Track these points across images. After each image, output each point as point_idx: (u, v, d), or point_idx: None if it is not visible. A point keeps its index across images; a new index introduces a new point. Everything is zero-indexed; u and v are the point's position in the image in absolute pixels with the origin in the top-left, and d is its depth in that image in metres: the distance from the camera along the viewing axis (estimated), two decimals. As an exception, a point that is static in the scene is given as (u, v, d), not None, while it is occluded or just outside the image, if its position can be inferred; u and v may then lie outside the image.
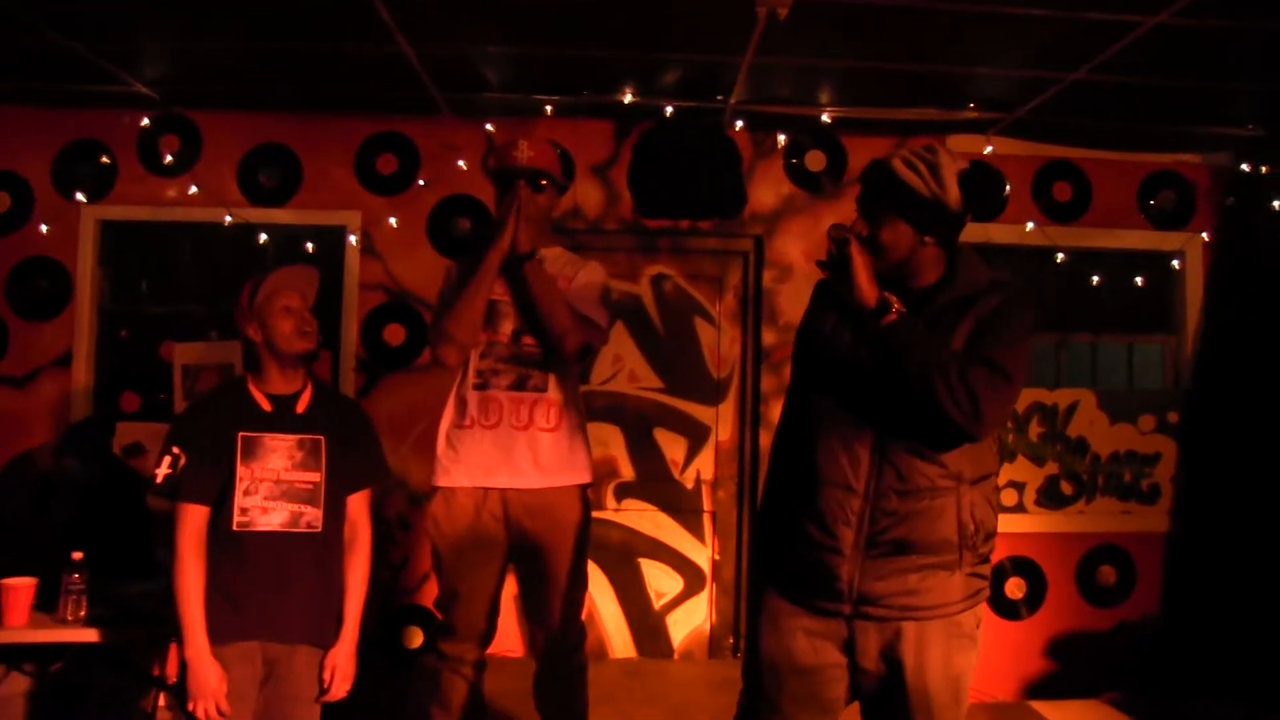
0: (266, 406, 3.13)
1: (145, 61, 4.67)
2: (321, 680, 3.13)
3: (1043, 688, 5.40)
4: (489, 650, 3.54)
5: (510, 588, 3.57)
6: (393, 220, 5.23)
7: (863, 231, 2.53)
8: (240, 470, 3.05)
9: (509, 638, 5.02)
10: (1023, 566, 5.42)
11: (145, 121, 5.17)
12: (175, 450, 3.04)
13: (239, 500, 3.04)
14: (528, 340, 3.45)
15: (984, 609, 2.62)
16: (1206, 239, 5.51)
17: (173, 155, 5.20)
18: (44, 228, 5.17)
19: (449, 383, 3.55)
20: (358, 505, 3.27)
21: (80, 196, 5.18)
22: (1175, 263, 5.56)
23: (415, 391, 5.15)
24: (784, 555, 2.65)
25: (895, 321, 2.44)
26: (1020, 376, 2.44)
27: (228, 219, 5.17)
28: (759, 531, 2.81)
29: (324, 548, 3.15)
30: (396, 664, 5.14)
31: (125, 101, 5.04)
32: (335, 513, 3.18)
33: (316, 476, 3.13)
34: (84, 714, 4.07)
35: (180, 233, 5.32)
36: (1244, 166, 5.31)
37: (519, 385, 3.45)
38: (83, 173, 5.20)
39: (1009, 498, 5.43)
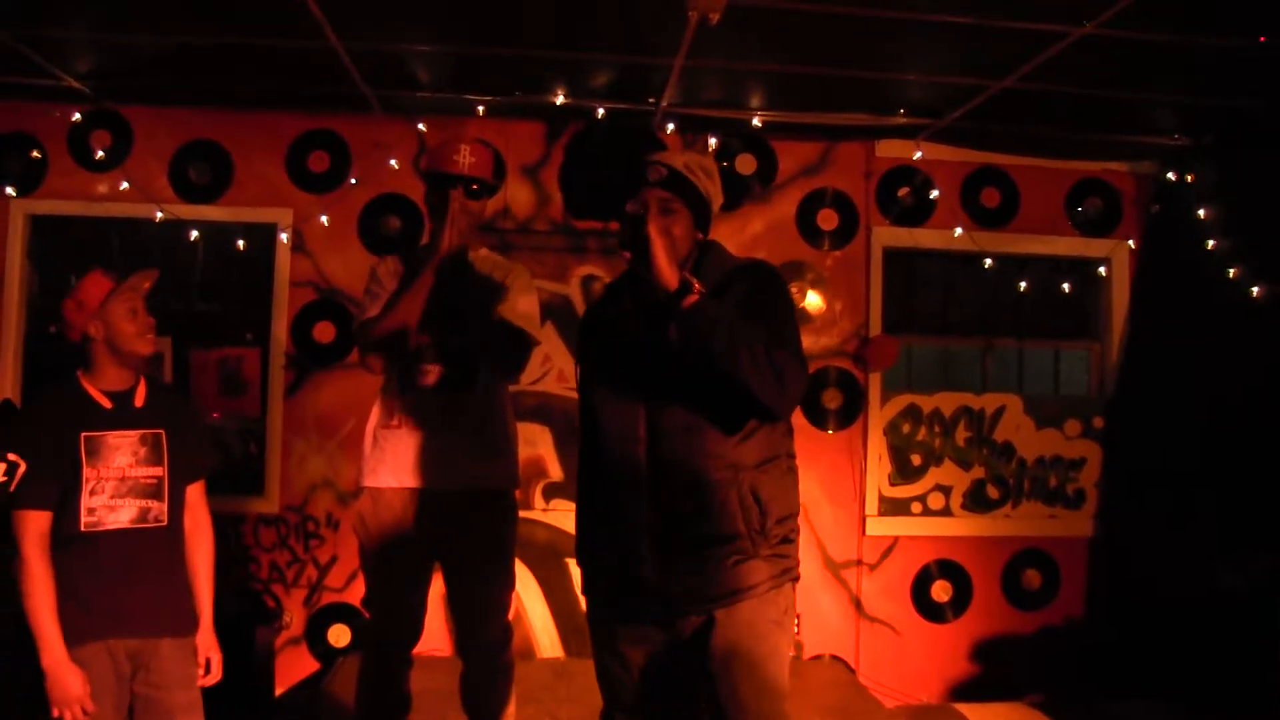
0: (107, 404, 3.09)
1: (76, 55, 4.66)
2: (197, 666, 3.17)
3: (967, 690, 5.45)
4: (416, 649, 3.54)
5: (438, 587, 3.56)
6: (324, 218, 5.22)
7: (649, 209, 2.60)
8: (86, 471, 3.00)
9: (436, 637, 5.02)
10: (949, 570, 5.48)
11: (76, 116, 5.15)
12: (11, 457, 2.95)
13: (85, 501, 3.00)
14: (455, 343, 3.45)
15: (793, 593, 2.68)
16: (1132, 246, 5.59)
17: (104, 150, 5.17)
18: (-28, 221, 5.13)
19: (377, 382, 3.55)
20: (196, 494, 3.28)
21: (9, 190, 5.14)
22: (1101, 269, 5.64)
23: (344, 389, 5.15)
24: (596, 568, 2.75)
25: (698, 302, 2.44)
26: (801, 356, 2.57)
27: (159, 215, 5.15)
28: (577, 549, 2.85)
29: (172, 540, 3.16)
30: (322, 661, 5.14)
31: (56, 95, 5.01)
32: (179, 505, 3.18)
33: (160, 470, 3.12)
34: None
35: (111, 228, 5.29)
36: (1169, 175, 5.38)
37: (445, 386, 3.46)
38: (12, 166, 5.16)
39: (936, 501, 5.49)
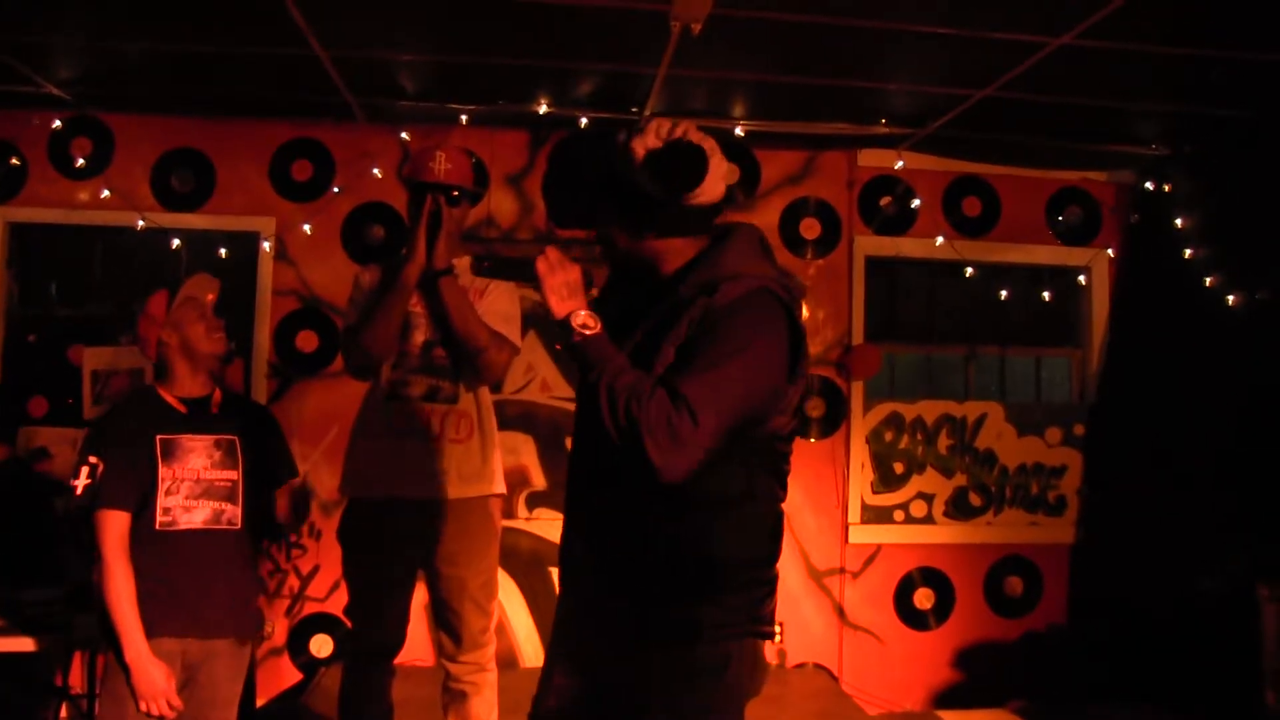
0: (181, 409, 3.20)
1: (57, 62, 4.62)
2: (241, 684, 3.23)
3: (950, 697, 5.48)
4: (398, 659, 3.53)
5: (420, 596, 3.56)
6: (306, 227, 5.20)
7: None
8: (162, 471, 3.10)
9: (419, 646, 5.01)
10: (931, 577, 5.50)
11: (57, 124, 5.12)
12: (92, 459, 3.06)
13: (161, 501, 3.10)
14: (439, 352, 3.45)
15: (744, 651, 2.26)
16: (1112, 255, 5.64)
17: (85, 158, 5.14)
18: (-49, 229, 5.10)
19: (360, 390, 3.55)
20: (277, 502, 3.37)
21: (-11, 198, 5.11)
22: (1081, 278, 5.68)
23: (327, 398, 5.13)
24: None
25: (578, 342, 2.15)
26: (716, 409, 2.03)
27: (140, 223, 5.13)
28: None
29: (244, 543, 3.23)
30: (304, 672, 5.11)
31: (36, 103, 4.98)
32: (253, 509, 3.24)
33: (234, 474, 3.20)
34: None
35: (92, 236, 5.27)
36: (1148, 185, 5.43)
37: (430, 396, 3.45)
38: (-8, 174, 5.14)
39: (918, 509, 5.51)
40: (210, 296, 3.30)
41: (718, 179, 2.21)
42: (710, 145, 2.19)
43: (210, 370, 3.25)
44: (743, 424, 2.11)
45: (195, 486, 3.13)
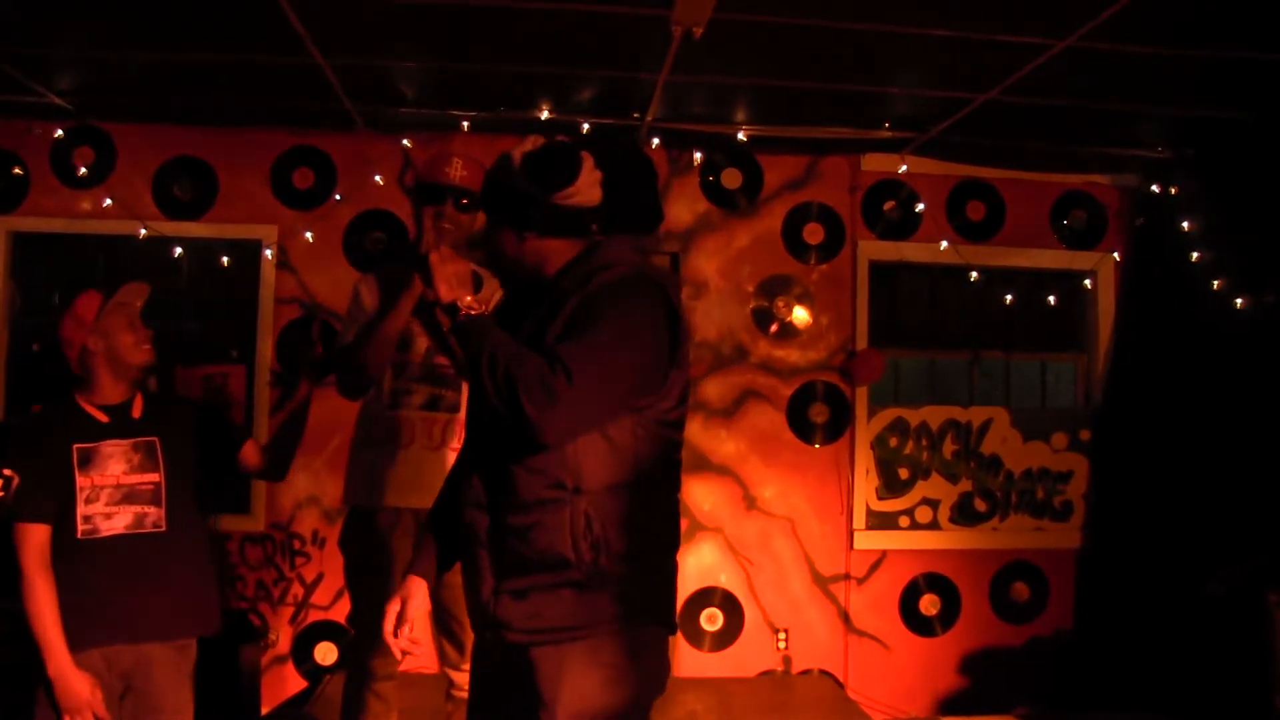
0: (102, 418, 3.17)
1: (59, 72, 4.64)
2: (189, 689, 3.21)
3: (956, 704, 5.44)
4: (401, 667, 3.51)
5: (424, 604, 3.55)
6: (309, 234, 5.20)
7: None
8: (79, 480, 3.08)
9: (422, 654, 4.99)
10: (936, 583, 5.47)
11: (59, 133, 5.12)
12: (6, 472, 2.99)
13: (81, 510, 3.07)
14: (441, 361, 3.44)
15: (655, 640, 2.37)
16: (1117, 258, 5.61)
17: (87, 167, 5.14)
18: (-46, 239, 5.10)
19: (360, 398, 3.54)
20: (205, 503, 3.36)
21: (-9, 208, 5.11)
22: (1087, 282, 5.64)
23: (330, 407, 5.00)
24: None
25: (462, 320, 2.34)
26: (590, 372, 2.14)
27: (142, 232, 5.13)
28: None
29: (172, 545, 3.18)
30: (308, 679, 5.10)
31: (38, 112, 4.99)
32: (181, 510, 3.21)
33: (156, 476, 3.18)
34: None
35: (94, 245, 5.27)
36: (1153, 188, 5.40)
37: (431, 405, 3.46)
38: (-6, 183, 5.14)
39: (924, 515, 5.49)
40: (138, 300, 3.26)
41: (592, 184, 2.38)
42: (584, 154, 2.38)
43: (132, 379, 3.22)
44: (623, 395, 2.25)
45: (115, 492, 3.11)
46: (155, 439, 3.20)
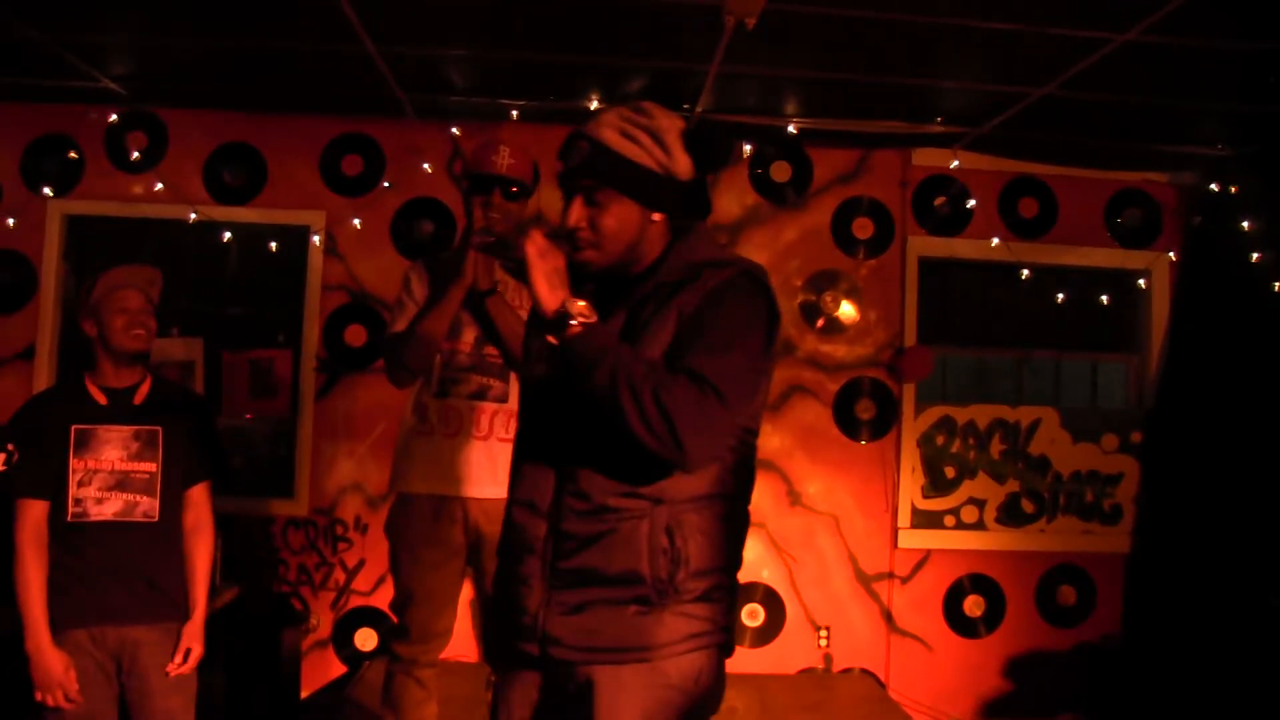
0: (102, 400, 3.21)
1: (114, 58, 4.67)
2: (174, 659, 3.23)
3: (1000, 707, 5.37)
4: (443, 654, 3.52)
5: (467, 592, 3.56)
6: (356, 221, 5.22)
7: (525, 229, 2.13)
8: (74, 463, 3.12)
9: (463, 642, 4.96)
10: (982, 584, 5.40)
11: (113, 118, 5.17)
12: (9, 447, 3.10)
13: (73, 492, 3.12)
14: (490, 350, 3.43)
15: (711, 664, 2.17)
16: (1173, 258, 5.50)
17: (139, 152, 5.19)
18: (10, 221, 5.15)
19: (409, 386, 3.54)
20: (200, 494, 3.36)
21: (47, 191, 5.17)
22: (1141, 281, 5.55)
23: (375, 393, 5.14)
24: (497, 579, 2.30)
25: (579, 333, 2.02)
26: (738, 390, 2.03)
27: (192, 216, 5.17)
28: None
29: (161, 535, 3.22)
30: (348, 665, 5.13)
31: (93, 97, 5.04)
32: (173, 501, 3.25)
33: (153, 466, 3.21)
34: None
35: (145, 229, 5.30)
36: (1212, 186, 5.29)
37: (480, 395, 3.45)
38: (50, 167, 5.20)
39: (969, 515, 5.42)
40: (135, 295, 3.23)
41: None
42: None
43: (125, 364, 3.23)
44: (753, 408, 2.15)
45: (109, 478, 3.15)
46: (159, 428, 3.23)
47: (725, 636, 2.20)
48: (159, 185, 5.17)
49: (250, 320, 5.33)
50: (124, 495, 3.15)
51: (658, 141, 2.10)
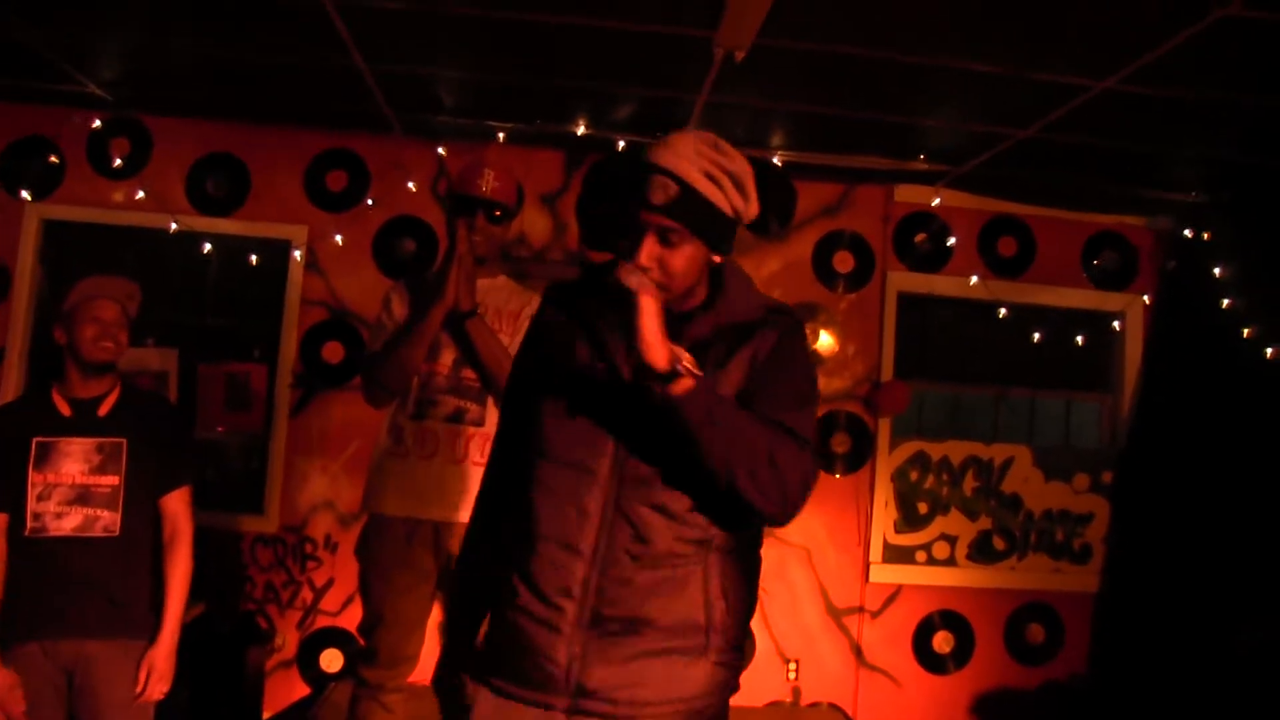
0: (66, 411, 3.17)
1: (101, 63, 4.64)
2: (138, 680, 3.17)
3: (966, 743, 5.38)
4: (410, 678, 3.49)
5: (436, 616, 3.54)
6: (339, 237, 5.20)
7: (641, 281, 1.95)
8: (32, 476, 3.09)
9: (431, 667, 4.93)
10: (951, 620, 5.41)
11: (96, 123, 5.12)
12: None
13: (32, 506, 3.09)
14: (467, 373, 3.42)
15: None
16: (1147, 301, 5.57)
17: (122, 158, 5.15)
18: (-14, 223, 5.10)
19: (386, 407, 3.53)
20: (175, 505, 3.31)
21: (25, 194, 5.11)
22: (1116, 323, 5.61)
23: (350, 411, 5.10)
24: (492, 631, 2.15)
25: (692, 389, 1.92)
26: (815, 440, 2.05)
27: (173, 226, 5.13)
28: (454, 599, 2.33)
29: (123, 550, 3.17)
30: (313, 686, 5.06)
31: (77, 101, 4.99)
32: (139, 515, 3.20)
33: (115, 479, 3.17)
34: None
35: (124, 236, 5.25)
36: (1186, 232, 5.37)
37: (456, 418, 3.43)
38: (30, 170, 5.14)
39: (941, 550, 5.44)
40: (109, 306, 3.20)
41: None
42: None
43: (93, 376, 3.20)
44: None
45: (69, 492, 3.11)
46: (123, 440, 3.18)
47: (737, 687, 2.16)
48: (141, 193, 5.14)
49: (227, 333, 5.29)
50: (84, 509, 3.11)
51: (739, 187, 2.06)
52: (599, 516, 2.04)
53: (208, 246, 5.18)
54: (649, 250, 2.01)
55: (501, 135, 5.05)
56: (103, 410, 3.20)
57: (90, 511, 3.11)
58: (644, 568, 2.02)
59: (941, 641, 5.41)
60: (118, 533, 3.15)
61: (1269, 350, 4.98)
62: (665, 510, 2.03)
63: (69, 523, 3.09)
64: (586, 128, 4.93)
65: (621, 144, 5.02)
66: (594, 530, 2.03)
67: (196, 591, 4.43)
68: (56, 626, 3.07)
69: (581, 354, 2.12)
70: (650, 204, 2.00)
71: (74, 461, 3.12)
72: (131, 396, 3.31)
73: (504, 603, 2.10)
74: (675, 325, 2.05)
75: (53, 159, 5.15)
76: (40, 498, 3.08)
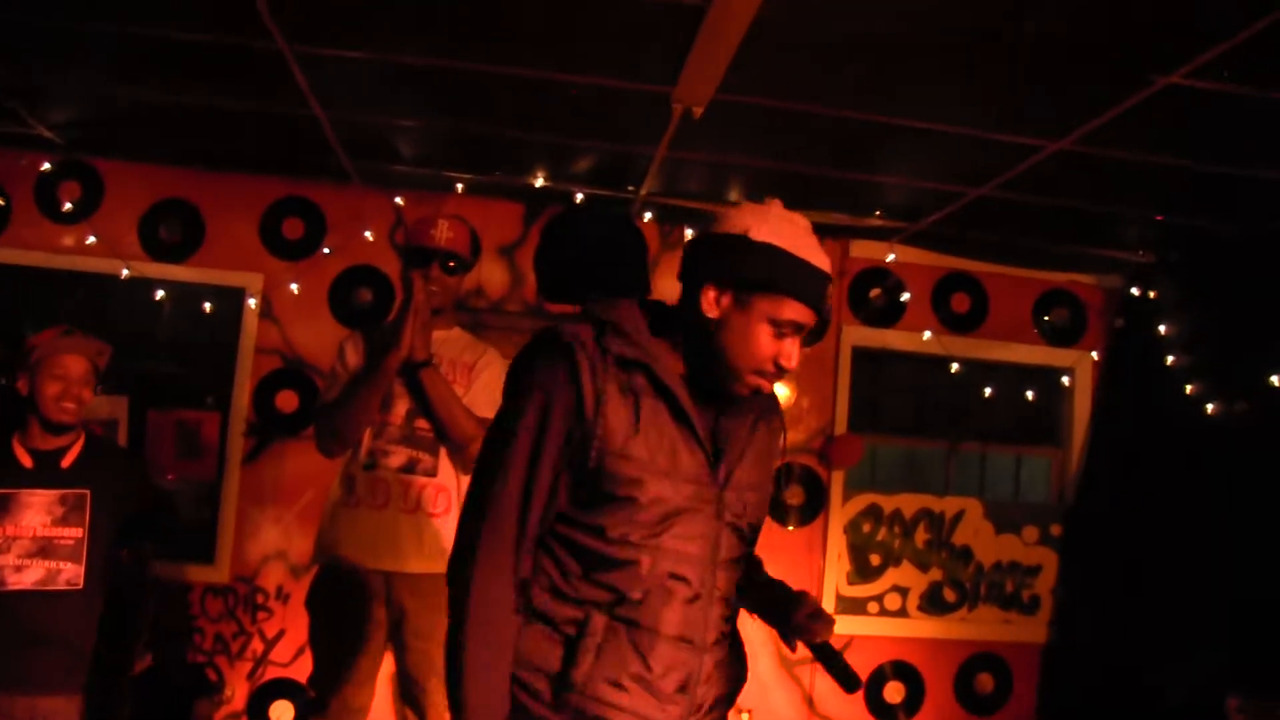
0: (27, 463, 3.12)
1: (52, 105, 4.58)
2: None
3: (917, 794, 5.40)
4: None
5: (387, 666, 3.51)
6: (294, 286, 5.15)
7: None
8: None
9: (384, 717, 4.90)
10: (902, 671, 5.44)
11: (46, 166, 5.04)
12: None
13: None
14: (421, 424, 3.42)
15: None
16: (1096, 358, 5.67)
17: (72, 202, 5.06)
18: (-73, 267, 4.99)
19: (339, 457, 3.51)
20: (135, 559, 3.32)
21: (-31, 238, 5.02)
22: (1065, 379, 5.70)
23: (304, 461, 5.05)
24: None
25: None
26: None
27: (125, 272, 5.06)
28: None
29: (87, 603, 3.14)
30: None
31: (26, 143, 4.90)
32: (102, 568, 3.16)
33: (79, 532, 3.12)
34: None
35: (74, 282, 5.16)
36: (1134, 290, 5.47)
37: (409, 468, 3.43)
38: (-26, 213, 5.05)
39: (893, 602, 5.47)
40: (77, 362, 3.17)
41: None
42: None
43: (54, 432, 3.16)
44: None
45: (30, 545, 3.06)
46: (86, 491, 3.14)
47: None
48: (92, 238, 5.05)
49: (179, 380, 5.21)
50: (46, 563, 3.06)
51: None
52: (708, 600, 2.05)
53: (160, 293, 5.12)
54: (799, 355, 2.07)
55: (460, 186, 5.05)
56: (65, 462, 3.16)
57: (53, 565, 3.06)
58: (727, 644, 2.12)
59: (892, 691, 5.44)
60: (81, 585, 3.10)
61: (1209, 407, 5.08)
62: (739, 585, 2.14)
63: (30, 576, 3.04)
64: (545, 180, 4.94)
65: (580, 197, 5.04)
66: (705, 617, 2.04)
67: (145, 642, 4.40)
68: (14, 681, 3.01)
69: (675, 430, 2.03)
70: (823, 319, 2.08)
71: (36, 513, 3.07)
72: (94, 447, 3.27)
73: (589, 704, 1.98)
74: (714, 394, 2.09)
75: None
76: None
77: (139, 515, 3.32)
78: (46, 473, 3.13)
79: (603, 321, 2.01)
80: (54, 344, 3.15)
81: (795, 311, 2.01)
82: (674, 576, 2.00)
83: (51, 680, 3.07)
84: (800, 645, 2.19)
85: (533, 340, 2.05)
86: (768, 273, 1.99)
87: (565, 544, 2.00)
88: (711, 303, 2.00)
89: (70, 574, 3.09)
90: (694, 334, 2.05)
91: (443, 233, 3.43)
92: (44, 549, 3.07)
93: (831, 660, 2.17)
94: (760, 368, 2.03)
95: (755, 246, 1.98)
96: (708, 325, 2.01)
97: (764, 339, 2.00)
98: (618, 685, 1.97)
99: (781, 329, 2.01)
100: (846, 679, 2.17)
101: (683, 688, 2.02)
